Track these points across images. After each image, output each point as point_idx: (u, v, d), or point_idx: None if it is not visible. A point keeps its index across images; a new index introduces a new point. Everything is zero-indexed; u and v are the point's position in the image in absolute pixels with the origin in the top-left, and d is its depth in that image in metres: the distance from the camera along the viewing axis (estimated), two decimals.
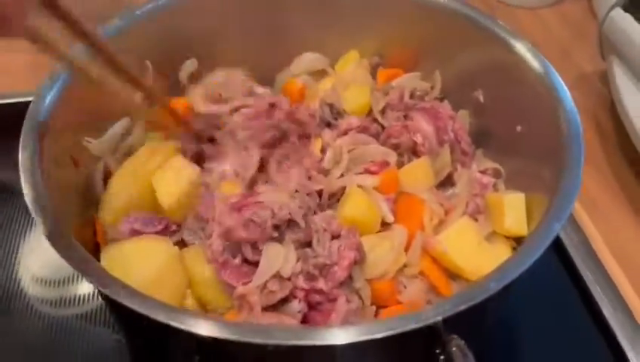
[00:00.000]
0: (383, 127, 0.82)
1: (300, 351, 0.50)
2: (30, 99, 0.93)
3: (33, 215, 0.55)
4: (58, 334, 0.76)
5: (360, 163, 0.76)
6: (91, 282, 0.52)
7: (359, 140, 0.78)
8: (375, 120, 0.83)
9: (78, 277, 0.81)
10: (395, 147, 0.79)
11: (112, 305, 0.51)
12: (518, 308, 0.75)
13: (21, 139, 0.62)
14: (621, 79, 0.95)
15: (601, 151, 1.00)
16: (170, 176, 0.69)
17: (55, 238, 0.54)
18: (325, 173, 0.75)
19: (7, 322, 0.78)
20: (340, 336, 0.49)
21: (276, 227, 0.64)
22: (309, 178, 0.73)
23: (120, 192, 0.70)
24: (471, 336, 0.52)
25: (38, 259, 0.84)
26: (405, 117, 0.82)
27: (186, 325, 0.48)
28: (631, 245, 0.88)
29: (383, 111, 0.83)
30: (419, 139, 0.78)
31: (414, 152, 0.79)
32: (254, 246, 0.64)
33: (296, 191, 0.68)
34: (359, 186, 0.72)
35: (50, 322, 0.77)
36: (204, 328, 0.48)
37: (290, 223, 0.65)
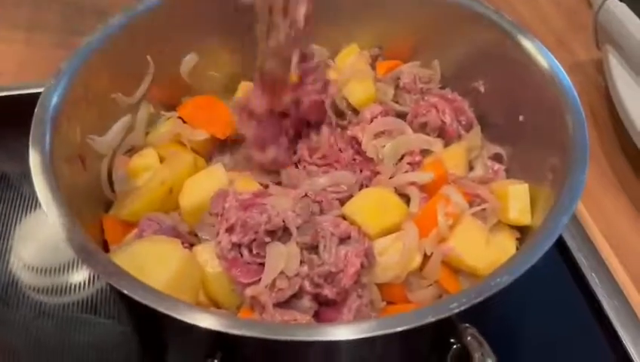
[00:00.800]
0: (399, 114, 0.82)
1: (326, 345, 0.51)
2: (18, 92, 0.93)
3: (52, 221, 0.55)
4: (50, 322, 0.76)
5: (400, 151, 0.75)
6: (123, 290, 0.51)
7: (390, 123, 0.77)
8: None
9: (70, 265, 0.81)
10: (423, 126, 0.78)
11: (131, 305, 0.51)
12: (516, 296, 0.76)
13: (30, 141, 0.61)
14: (616, 68, 0.96)
15: (596, 138, 1.01)
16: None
17: (79, 246, 0.54)
18: (369, 162, 0.74)
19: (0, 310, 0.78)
20: (354, 330, 0.50)
21: (270, 232, 0.62)
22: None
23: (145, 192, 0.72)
24: (479, 325, 0.53)
25: (29, 247, 0.84)
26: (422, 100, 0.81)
27: (191, 319, 0.49)
28: (626, 233, 0.89)
29: (396, 98, 0.83)
30: (447, 118, 0.77)
31: (441, 134, 0.79)
32: (249, 247, 0.62)
33: (306, 195, 0.66)
34: (413, 183, 0.71)
35: (42, 310, 0.77)
36: (210, 322, 0.49)
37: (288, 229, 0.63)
